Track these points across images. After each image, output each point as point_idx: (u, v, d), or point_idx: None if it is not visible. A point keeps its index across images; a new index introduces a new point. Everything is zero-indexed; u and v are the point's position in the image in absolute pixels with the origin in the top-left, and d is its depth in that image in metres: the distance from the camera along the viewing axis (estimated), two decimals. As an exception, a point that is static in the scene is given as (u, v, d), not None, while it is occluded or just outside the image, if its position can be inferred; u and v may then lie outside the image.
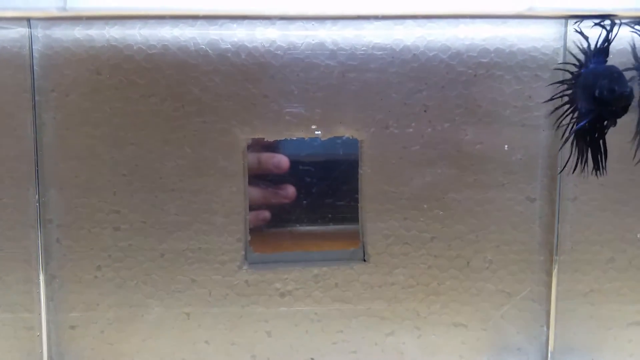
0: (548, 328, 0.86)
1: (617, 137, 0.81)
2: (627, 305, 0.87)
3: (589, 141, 0.72)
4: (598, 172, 0.73)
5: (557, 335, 0.86)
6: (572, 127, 0.73)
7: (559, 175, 0.82)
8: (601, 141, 0.72)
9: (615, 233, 0.86)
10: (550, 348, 0.86)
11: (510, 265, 0.85)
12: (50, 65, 0.78)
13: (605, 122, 0.71)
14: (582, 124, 0.71)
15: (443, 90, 0.81)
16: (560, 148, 0.79)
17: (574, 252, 0.85)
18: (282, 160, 0.84)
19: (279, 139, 0.81)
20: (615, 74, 0.69)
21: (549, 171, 0.83)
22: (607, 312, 0.87)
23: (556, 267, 0.85)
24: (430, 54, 0.81)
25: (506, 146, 0.82)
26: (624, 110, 0.69)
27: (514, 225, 0.85)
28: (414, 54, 0.80)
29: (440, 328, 0.86)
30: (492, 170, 0.83)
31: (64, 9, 0.72)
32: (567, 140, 0.74)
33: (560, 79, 0.80)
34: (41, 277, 0.81)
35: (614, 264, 0.86)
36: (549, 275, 0.85)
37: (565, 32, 0.80)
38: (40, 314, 0.82)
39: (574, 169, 0.74)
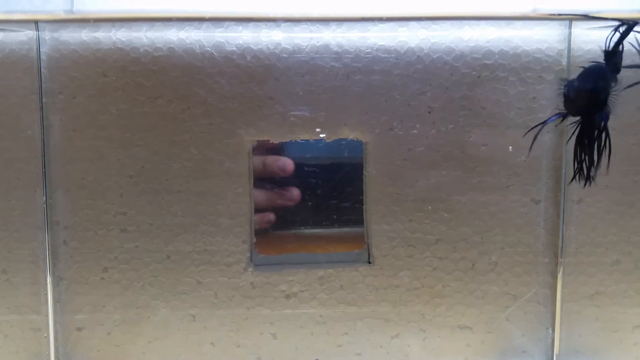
0: (553, 330, 0.86)
1: (622, 138, 0.81)
2: (632, 308, 0.87)
3: (580, 147, 0.69)
4: (583, 180, 0.69)
5: (563, 337, 0.86)
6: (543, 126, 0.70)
7: (568, 183, 0.82)
8: (586, 146, 0.69)
9: (620, 235, 0.85)
10: (555, 351, 0.86)
11: (515, 268, 0.85)
12: (57, 67, 0.79)
13: (580, 125, 0.67)
14: (550, 120, 0.68)
15: (447, 91, 0.81)
16: (530, 149, 0.79)
17: (579, 254, 0.85)
18: (287, 163, 0.85)
19: (284, 140, 0.82)
20: (584, 70, 0.65)
21: (553, 173, 0.83)
22: (612, 314, 0.87)
23: (561, 269, 0.85)
24: (435, 56, 0.81)
25: (510, 148, 0.83)
26: (590, 109, 0.65)
27: (519, 227, 0.85)
28: (418, 56, 0.81)
29: (445, 330, 0.86)
30: (496, 172, 0.83)
31: (71, 11, 0.72)
32: (534, 140, 0.73)
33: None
34: (48, 279, 0.82)
35: (620, 266, 0.86)
36: (554, 277, 0.85)
37: (570, 34, 0.80)
38: (47, 316, 0.82)
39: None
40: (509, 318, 0.86)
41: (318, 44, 0.80)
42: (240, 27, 0.79)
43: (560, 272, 0.85)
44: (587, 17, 0.74)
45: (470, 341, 0.87)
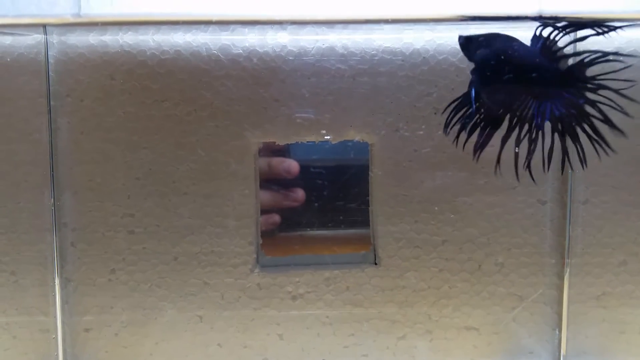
0: (560, 331, 0.86)
1: (628, 139, 0.81)
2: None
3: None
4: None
5: (569, 338, 0.86)
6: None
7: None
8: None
9: (627, 236, 0.85)
10: (562, 352, 0.86)
11: (522, 268, 0.85)
12: (65, 70, 0.79)
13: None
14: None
15: (453, 92, 0.81)
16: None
17: (586, 255, 0.85)
18: (292, 165, 0.85)
19: (290, 142, 0.82)
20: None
21: (559, 174, 0.83)
22: (619, 315, 0.87)
23: (568, 270, 0.85)
24: (440, 57, 0.81)
25: (517, 149, 0.82)
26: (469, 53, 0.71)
27: (525, 228, 0.85)
28: (424, 57, 0.81)
29: (451, 331, 0.86)
30: (502, 173, 0.83)
31: (79, 15, 0.73)
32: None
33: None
34: (56, 281, 0.82)
35: (626, 267, 0.86)
36: (561, 278, 0.85)
37: (574, 35, 0.80)
38: (55, 317, 0.83)
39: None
40: (515, 319, 0.86)
41: (324, 46, 0.80)
42: (246, 30, 0.80)
43: (567, 273, 0.85)
44: (592, 21, 0.74)
45: (477, 342, 0.87)
